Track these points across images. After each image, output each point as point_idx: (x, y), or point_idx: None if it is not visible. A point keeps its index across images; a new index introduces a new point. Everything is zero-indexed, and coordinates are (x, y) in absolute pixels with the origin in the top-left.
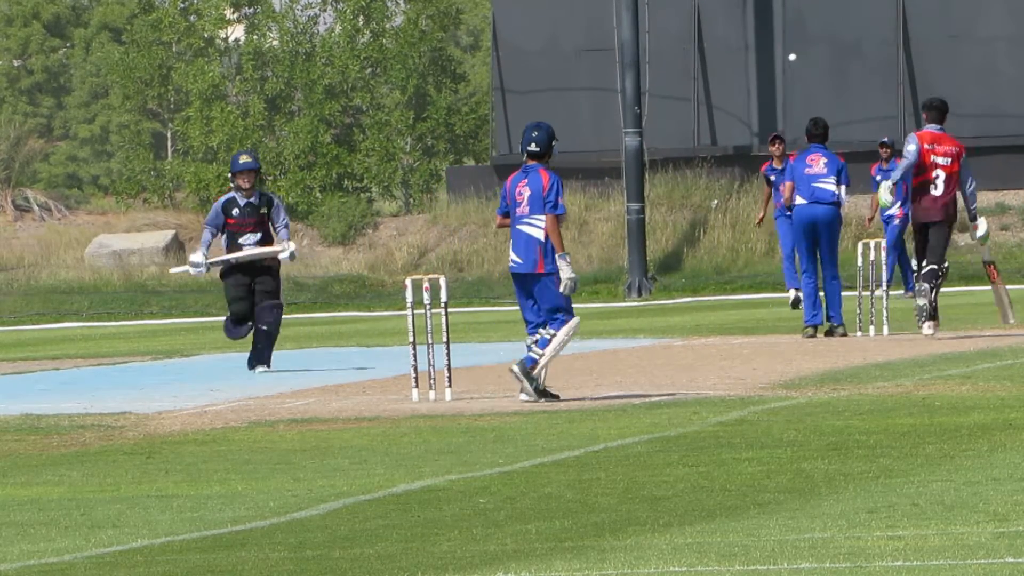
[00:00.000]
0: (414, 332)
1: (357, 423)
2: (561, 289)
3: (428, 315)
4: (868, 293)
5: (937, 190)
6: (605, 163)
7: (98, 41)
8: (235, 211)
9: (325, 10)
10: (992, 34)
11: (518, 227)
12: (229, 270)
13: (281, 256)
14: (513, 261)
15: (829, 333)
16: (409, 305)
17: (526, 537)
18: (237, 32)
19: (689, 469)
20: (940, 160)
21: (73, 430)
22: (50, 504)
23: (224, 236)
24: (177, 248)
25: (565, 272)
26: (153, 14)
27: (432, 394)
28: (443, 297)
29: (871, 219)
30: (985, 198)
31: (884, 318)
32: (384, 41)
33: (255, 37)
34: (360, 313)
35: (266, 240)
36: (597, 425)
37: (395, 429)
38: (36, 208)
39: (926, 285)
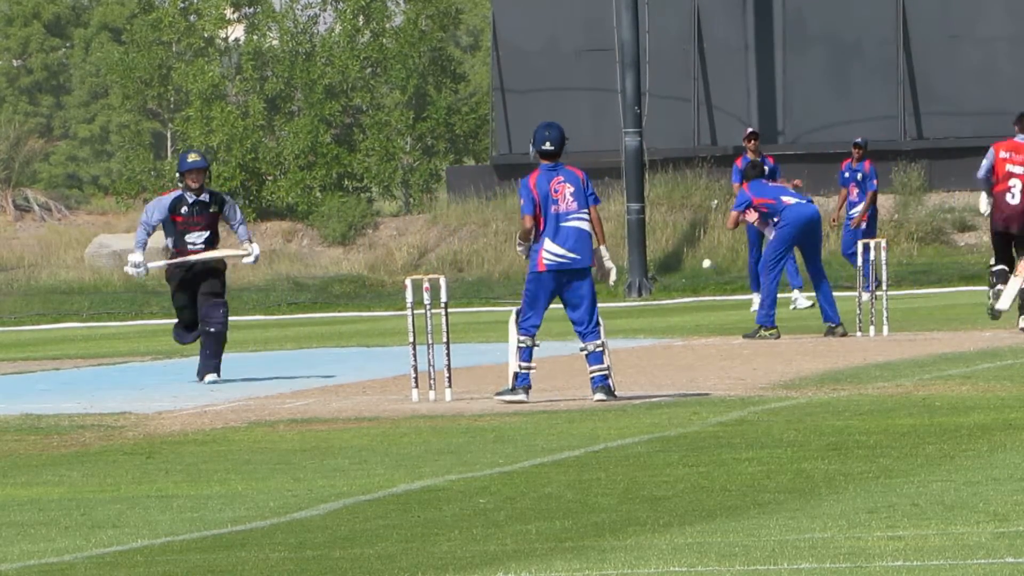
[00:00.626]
0: (414, 332)
1: (357, 423)
2: (613, 278)
3: (428, 315)
4: (868, 293)
5: (1014, 199)
6: (605, 163)
7: (98, 41)
8: (184, 209)
9: (325, 10)
10: (992, 34)
11: (566, 224)
12: (175, 272)
13: (245, 260)
14: (566, 257)
15: (830, 332)
16: (409, 305)
17: (526, 537)
18: (237, 32)
19: (689, 469)
20: (1016, 169)
21: (73, 430)
22: (50, 504)
23: (172, 235)
24: None
25: (609, 261)
26: (153, 14)
27: (432, 394)
28: (443, 297)
29: (835, 220)
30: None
31: (884, 318)
32: (384, 41)
33: (255, 37)
34: (360, 313)
35: (214, 239)
36: (597, 425)
37: (395, 429)
38: (36, 208)
39: None
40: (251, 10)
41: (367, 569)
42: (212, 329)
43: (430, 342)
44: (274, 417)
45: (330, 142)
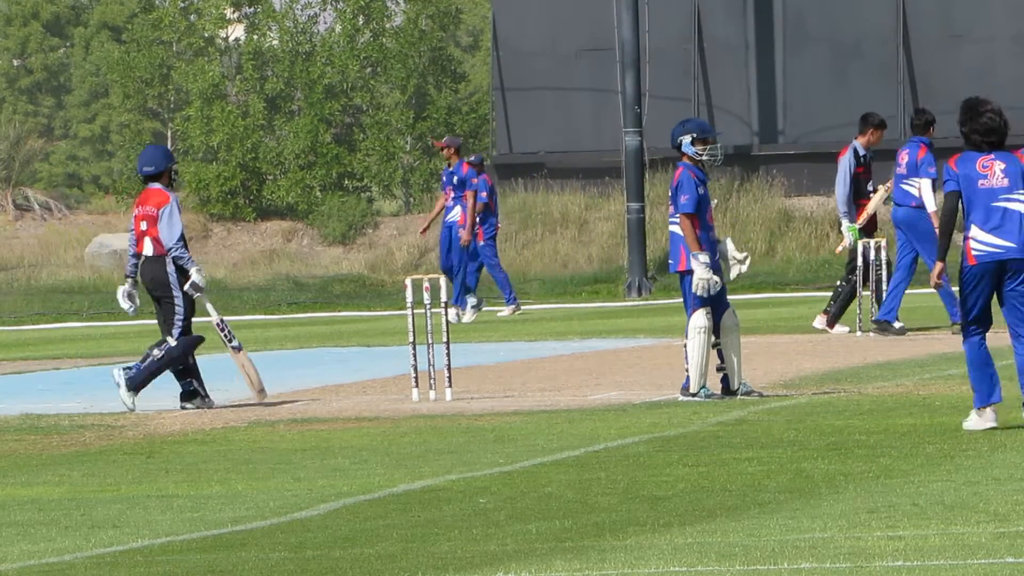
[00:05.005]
0: (414, 332)
1: (357, 423)
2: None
3: (428, 315)
4: (868, 293)
5: None
6: (605, 163)
7: (98, 40)
8: None
9: (325, 10)
10: (992, 34)
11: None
12: None
13: None
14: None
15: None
16: (409, 305)
17: (526, 537)
18: (237, 32)
19: (689, 469)
20: None
21: (73, 430)
22: (50, 504)
23: None
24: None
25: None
26: (153, 13)
27: (432, 394)
28: (443, 297)
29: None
30: None
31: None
32: (384, 41)
33: (255, 37)
34: (360, 313)
35: None
36: (597, 425)
37: (395, 429)
38: (36, 207)
39: None
40: (251, 10)
41: (367, 569)
42: None
43: (430, 342)
44: (274, 417)
45: (330, 142)
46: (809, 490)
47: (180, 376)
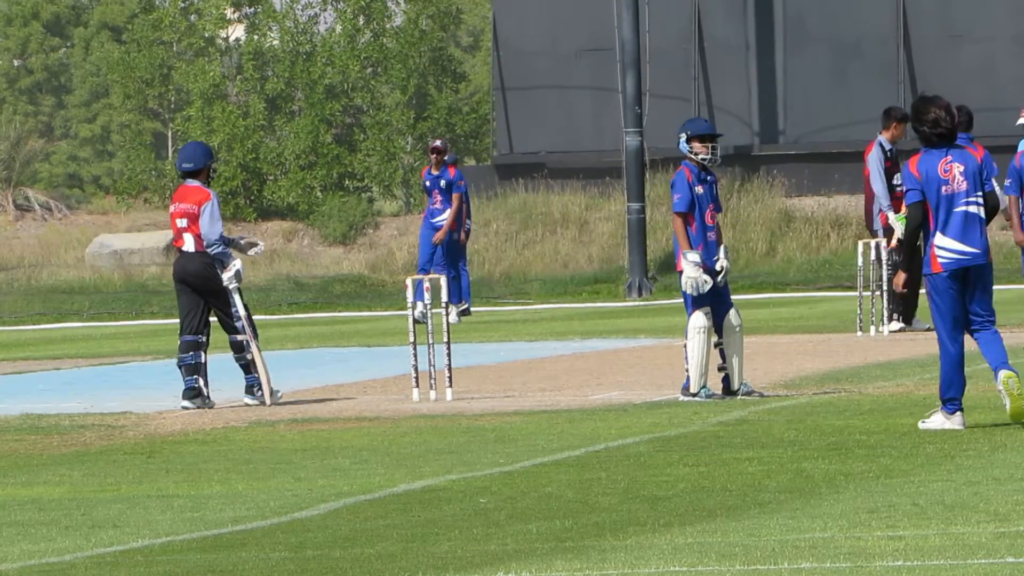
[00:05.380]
0: (415, 332)
1: (358, 423)
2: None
3: (429, 315)
4: (868, 293)
5: None
6: (606, 163)
7: (98, 40)
8: None
9: (325, 10)
10: (992, 34)
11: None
12: None
13: None
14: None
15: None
16: (410, 305)
17: (527, 537)
18: (238, 32)
19: (690, 469)
20: None
21: (73, 430)
22: (51, 504)
23: None
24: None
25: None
26: (154, 13)
27: (433, 394)
28: (443, 297)
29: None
30: None
31: (884, 318)
32: (384, 41)
33: (255, 37)
34: (361, 313)
35: None
36: (597, 425)
37: (395, 429)
38: (37, 208)
39: None
40: (251, 10)
41: (367, 569)
42: None
43: (431, 342)
44: (274, 417)
45: (331, 142)
46: (809, 490)
47: (188, 372)
